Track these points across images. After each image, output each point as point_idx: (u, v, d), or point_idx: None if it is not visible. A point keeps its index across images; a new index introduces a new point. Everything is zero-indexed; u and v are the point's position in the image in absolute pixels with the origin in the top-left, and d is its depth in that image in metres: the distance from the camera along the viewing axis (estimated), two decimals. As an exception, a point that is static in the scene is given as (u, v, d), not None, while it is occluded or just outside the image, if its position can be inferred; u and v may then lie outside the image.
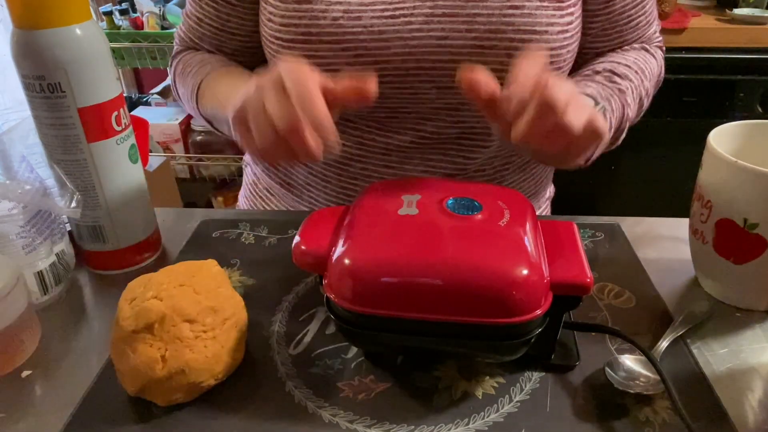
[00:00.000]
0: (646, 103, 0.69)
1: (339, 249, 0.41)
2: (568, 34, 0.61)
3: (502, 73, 0.59)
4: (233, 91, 0.53)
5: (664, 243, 0.61)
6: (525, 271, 0.38)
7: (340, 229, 0.44)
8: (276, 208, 0.75)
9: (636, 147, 1.63)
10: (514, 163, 0.70)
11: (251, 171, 0.81)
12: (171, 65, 0.73)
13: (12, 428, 0.42)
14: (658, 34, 0.73)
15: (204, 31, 0.69)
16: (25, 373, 0.46)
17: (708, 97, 1.57)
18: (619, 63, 0.65)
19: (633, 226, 0.64)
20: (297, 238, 0.44)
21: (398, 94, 0.61)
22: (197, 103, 0.67)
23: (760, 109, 1.58)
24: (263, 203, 0.77)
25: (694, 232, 0.53)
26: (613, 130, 0.61)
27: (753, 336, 0.49)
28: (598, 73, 0.65)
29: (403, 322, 0.40)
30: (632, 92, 0.64)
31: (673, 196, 1.15)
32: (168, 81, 2.03)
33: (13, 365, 0.47)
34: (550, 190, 0.82)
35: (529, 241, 0.41)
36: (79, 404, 0.43)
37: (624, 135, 0.65)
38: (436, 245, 0.40)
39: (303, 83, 0.41)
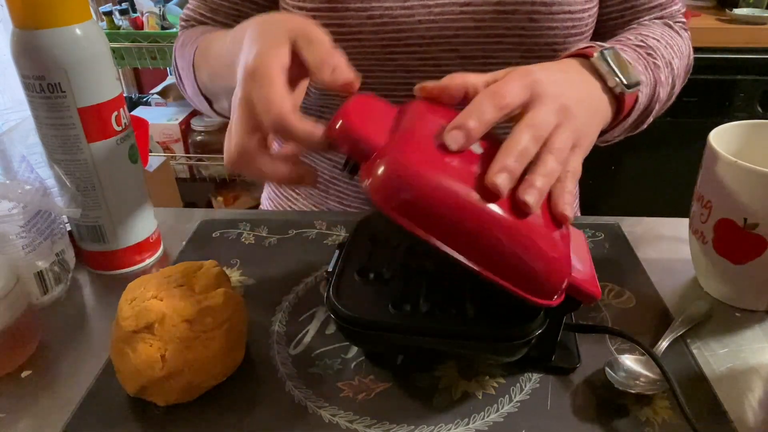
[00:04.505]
0: (678, 87, 0.65)
1: (403, 146, 0.37)
2: None
3: (523, 38, 0.59)
4: (222, 58, 0.50)
5: (664, 243, 0.61)
6: (563, 257, 0.38)
7: (402, 128, 0.39)
8: (302, 208, 0.75)
9: (636, 147, 1.64)
10: None
11: None
12: (174, 50, 0.69)
13: (12, 428, 0.42)
14: (681, 15, 0.69)
15: (221, 1, 0.66)
16: (25, 373, 0.46)
17: (708, 97, 1.57)
18: (647, 35, 0.61)
19: (633, 226, 0.64)
20: (344, 113, 0.39)
21: (422, 66, 0.61)
22: (196, 78, 0.63)
23: (760, 109, 1.58)
24: (289, 203, 0.77)
25: (694, 232, 0.53)
26: (639, 110, 0.57)
27: (753, 336, 0.49)
28: (634, 44, 0.60)
29: (404, 323, 0.41)
30: (664, 70, 0.60)
31: (673, 196, 1.15)
32: (168, 81, 2.03)
33: (13, 365, 0.47)
34: None
35: (566, 232, 0.41)
36: (79, 404, 0.43)
37: (651, 118, 0.61)
38: (495, 194, 0.37)
39: (266, 94, 0.39)
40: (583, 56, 0.50)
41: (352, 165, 0.39)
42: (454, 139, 0.38)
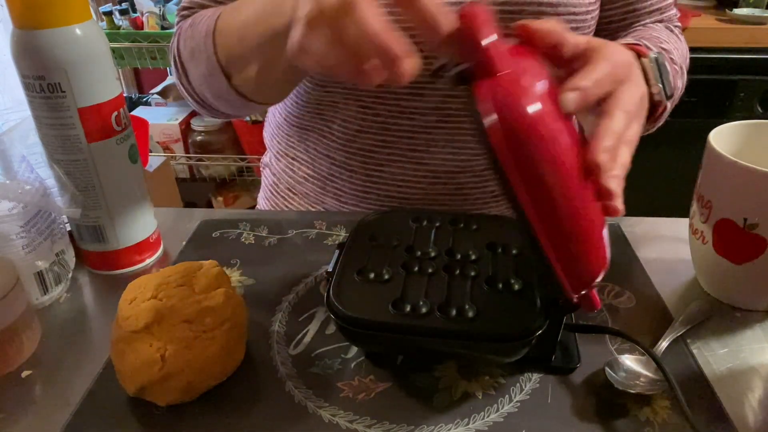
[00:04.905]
0: (683, 88, 0.66)
1: (529, 84, 0.36)
2: None
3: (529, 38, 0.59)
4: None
5: (664, 243, 0.61)
6: (605, 252, 0.39)
7: (522, 63, 0.37)
8: (298, 208, 0.75)
9: (636, 147, 1.64)
10: None
11: (270, 172, 0.80)
12: (174, 40, 0.63)
13: (12, 428, 0.42)
14: (677, 20, 0.70)
15: None
16: (25, 373, 0.46)
17: (708, 97, 1.57)
18: (660, 38, 0.62)
19: (633, 226, 0.64)
20: (480, 16, 0.35)
21: (428, 65, 0.60)
22: (215, 46, 0.56)
23: (760, 109, 1.58)
24: (285, 203, 0.77)
25: (694, 232, 0.53)
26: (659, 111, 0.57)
27: (753, 336, 0.49)
28: (659, 47, 0.60)
29: (404, 323, 0.41)
30: (678, 74, 0.61)
31: (673, 196, 1.15)
32: (168, 81, 2.03)
33: (13, 365, 0.47)
34: None
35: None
36: (79, 404, 0.43)
37: (661, 122, 0.61)
38: (581, 172, 0.37)
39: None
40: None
41: (462, 74, 0.36)
42: (572, 100, 0.37)
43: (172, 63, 0.63)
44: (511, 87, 0.35)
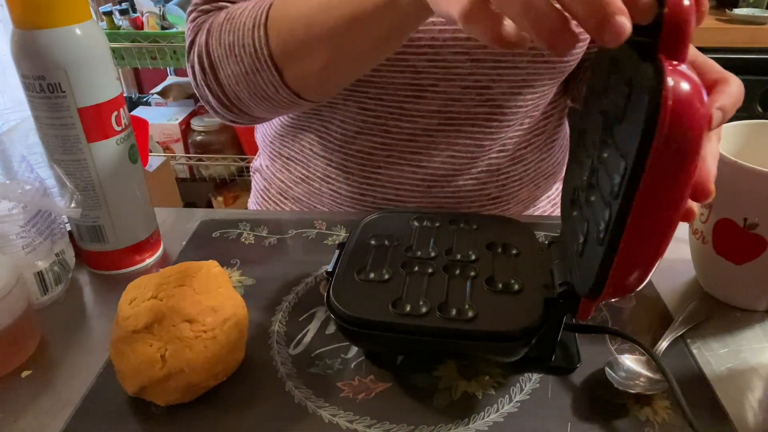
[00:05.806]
0: None
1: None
2: None
3: (533, 43, 0.58)
4: None
5: (664, 243, 0.61)
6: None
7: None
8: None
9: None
10: (533, 143, 0.70)
11: (261, 177, 0.80)
12: (200, 37, 0.59)
13: (12, 428, 0.42)
14: None
15: None
16: (25, 373, 0.46)
17: (708, 97, 1.57)
18: None
19: (633, 226, 0.63)
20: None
21: (431, 68, 0.60)
22: (267, 38, 0.53)
23: (760, 109, 1.58)
24: (276, 209, 0.76)
25: (694, 232, 0.53)
26: None
27: (753, 336, 0.49)
28: None
29: (403, 323, 0.41)
30: None
31: (673, 196, 1.15)
32: (168, 81, 2.03)
33: (13, 365, 0.47)
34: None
35: None
36: (79, 404, 0.43)
37: None
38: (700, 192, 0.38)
39: None
40: None
41: (651, 44, 0.34)
42: (717, 119, 0.40)
43: (196, 62, 0.59)
44: (698, 83, 0.34)
